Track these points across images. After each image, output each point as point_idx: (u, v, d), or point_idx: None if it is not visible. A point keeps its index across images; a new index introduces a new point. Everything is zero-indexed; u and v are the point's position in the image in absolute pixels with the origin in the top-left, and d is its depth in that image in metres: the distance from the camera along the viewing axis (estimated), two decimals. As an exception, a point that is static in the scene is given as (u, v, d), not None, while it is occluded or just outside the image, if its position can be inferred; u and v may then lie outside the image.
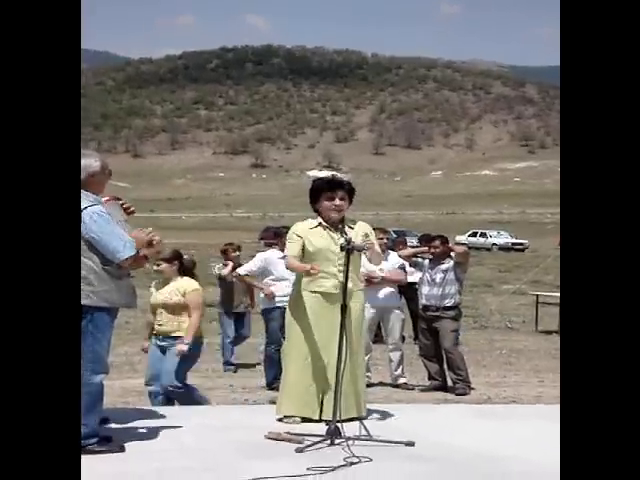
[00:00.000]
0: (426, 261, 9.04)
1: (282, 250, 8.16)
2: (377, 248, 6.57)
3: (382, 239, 9.24)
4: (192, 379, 9.25)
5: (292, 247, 6.59)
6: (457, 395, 8.29)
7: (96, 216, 5.34)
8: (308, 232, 6.59)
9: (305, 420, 6.46)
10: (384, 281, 9.08)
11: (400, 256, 9.22)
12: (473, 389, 8.54)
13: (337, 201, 6.53)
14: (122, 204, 5.90)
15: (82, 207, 5.31)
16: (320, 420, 6.36)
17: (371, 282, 9.06)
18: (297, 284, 6.63)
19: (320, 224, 6.59)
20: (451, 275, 8.77)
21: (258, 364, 10.84)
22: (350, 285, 6.30)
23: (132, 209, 6.06)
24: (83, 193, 5.41)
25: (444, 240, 9.05)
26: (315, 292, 6.50)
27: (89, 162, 5.59)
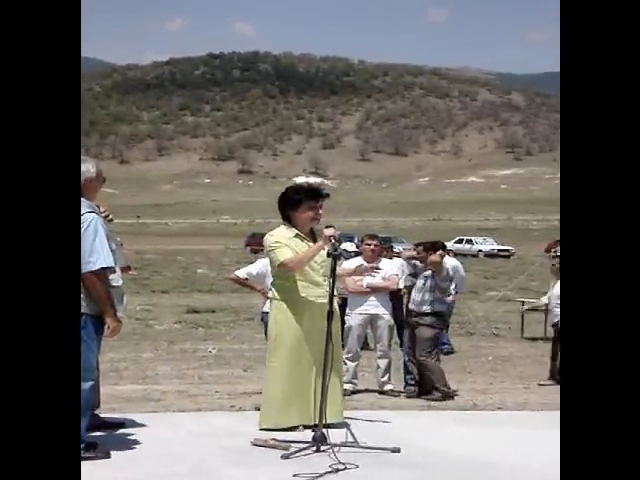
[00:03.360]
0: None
1: None
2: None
3: (369, 245, 9.26)
4: (177, 385, 9.24)
5: (285, 251, 6.44)
6: (427, 400, 8.37)
7: (85, 225, 5.30)
8: (289, 241, 6.49)
9: (289, 429, 6.44)
10: (375, 288, 9.12)
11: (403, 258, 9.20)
12: (456, 396, 8.56)
13: (320, 211, 6.53)
14: (102, 212, 5.87)
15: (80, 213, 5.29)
16: (298, 426, 6.38)
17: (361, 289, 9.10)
18: (284, 294, 6.54)
19: (298, 234, 6.52)
20: (430, 282, 8.85)
21: (245, 370, 10.81)
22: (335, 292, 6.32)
23: (110, 217, 6.03)
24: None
25: (428, 247, 9.09)
26: (304, 301, 6.46)
27: (86, 167, 5.57)
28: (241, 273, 8.89)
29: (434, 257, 9.02)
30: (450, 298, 9.52)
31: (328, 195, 6.73)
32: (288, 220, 6.57)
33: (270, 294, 6.78)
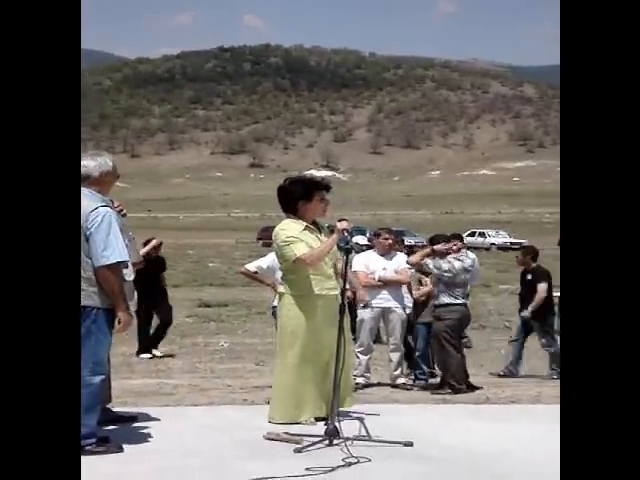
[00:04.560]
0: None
1: None
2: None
3: (387, 239, 9.25)
4: (190, 379, 9.25)
5: (300, 246, 6.34)
6: (432, 393, 8.42)
7: (99, 218, 5.30)
8: (300, 235, 6.41)
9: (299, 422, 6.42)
10: (387, 281, 9.13)
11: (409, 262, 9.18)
12: (470, 390, 8.54)
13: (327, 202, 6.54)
14: (116, 207, 5.85)
15: (94, 207, 5.29)
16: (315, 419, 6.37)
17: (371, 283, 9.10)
18: (296, 288, 6.48)
19: (307, 227, 6.46)
20: (434, 278, 9.00)
21: (257, 364, 10.83)
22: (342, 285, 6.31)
23: (124, 212, 6.02)
24: (93, 193, 5.40)
25: (436, 240, 9.11)
26: (319, 295, 6.41)
27: (104, 160, 5.58)
28: (251, 267, 8.89)
29: (411, 258, 9.09)
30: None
31: (331, 187, 6.75)
32: (294, 212, 6.51)
33: (281, 289, 6.71)
